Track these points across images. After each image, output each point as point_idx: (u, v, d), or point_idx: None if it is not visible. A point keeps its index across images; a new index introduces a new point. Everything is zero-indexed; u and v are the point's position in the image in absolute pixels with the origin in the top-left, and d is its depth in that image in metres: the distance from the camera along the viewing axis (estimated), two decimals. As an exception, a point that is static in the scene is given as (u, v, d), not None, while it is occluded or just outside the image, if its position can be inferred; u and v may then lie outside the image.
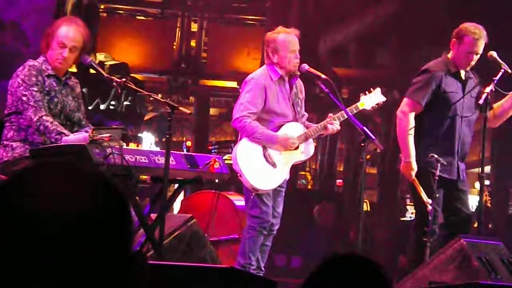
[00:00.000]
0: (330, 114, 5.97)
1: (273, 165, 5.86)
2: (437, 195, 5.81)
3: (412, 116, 5.96)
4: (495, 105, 6.11)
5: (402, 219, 12.48)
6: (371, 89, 6.18)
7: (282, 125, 5.93)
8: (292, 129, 5.96)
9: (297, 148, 5.95)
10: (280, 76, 5.91)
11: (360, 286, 1.63)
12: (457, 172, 6.00)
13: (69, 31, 5.17)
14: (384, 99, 6.21)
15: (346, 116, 5.88)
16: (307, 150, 6.03)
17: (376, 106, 6.21)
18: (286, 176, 5.98)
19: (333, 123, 5.90)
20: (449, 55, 6.04)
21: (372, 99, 6.13)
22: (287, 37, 5.91)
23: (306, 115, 6.16)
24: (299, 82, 6.05)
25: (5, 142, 5.17)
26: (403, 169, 5.94)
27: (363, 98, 6.10)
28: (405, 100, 6.07)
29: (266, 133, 5.83)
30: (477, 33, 5.89)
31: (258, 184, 5.78)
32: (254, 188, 5.78)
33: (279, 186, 5.94)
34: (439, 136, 5.95)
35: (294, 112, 5.99)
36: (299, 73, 5.97)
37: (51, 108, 5.16)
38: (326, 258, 1.67)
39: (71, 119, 5.26)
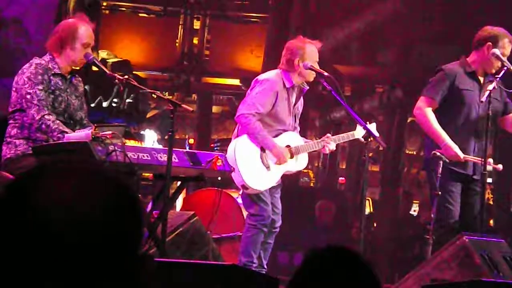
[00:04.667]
0: (328, 135, 6.07)
1: (267, 167, 5.88)
2: (439, 193, 5.80)
3: (429, 109, 5.99)
4: None
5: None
6: (368, 122, 6.09)
7: (281, 133, 5.95)
8: (290, 139, 5.98)
9: (292, 157, 5.98)
10: (293, 85, 5.94)
11: (344, 278, 1.67)
12: (473, 169, 6.00)
13: (89, 30, 5.27)
14: (377, 135, 5.97)
15: (342, 140, 6.10)
16: (301, 162, 6.07)
17: (369, 140, 5.95)
18: (278, 179, 5.99)
19: (329, 144, 5.97)
20: (469, 58, 6.08)
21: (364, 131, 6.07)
22: (313, 49, 5.95)
23: (298, 128, 6.19)
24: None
25: (8, 139, 5.18)
26: (447, 154, 5.87)
27: (358, 127, 6.11)
28: (420, 98, 6.14)
29: (266, 138, 5.84)
30: (510, 36, 5.97)
31: (250, 182, 5.78)
32: (245, 185, 5.78)
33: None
34: (453, 133, 5.95)
35: (294, 122, 6.03)
36: (307, 87, 6.02)
37: (55, 107, 5.18)
38: (307, 254, 1.70)
39: (74, 118, 5.28)
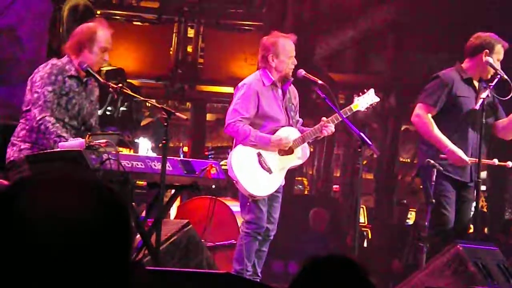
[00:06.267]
0: (323, 118, 5.98)
1: (269, 170, 5.86)
2: (433, 200, 5.81)
3: (428, 115, 5.97)
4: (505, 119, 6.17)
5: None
6: (365, 90, 6.20)
7: (276, 130, 5.94)
8: (287, 133, 5.96)
9: (292, 152, 5.95)
10: (273, 82, 5.93)
11: (341, 285, 1.66)
12: (470, 175, 6.00)
13: (107, 35, 5.31)
14: (378, 99, 6.22)
15: (340, 118, 5.89)
16: (302, 154, 6.03)
17: (371, 106, 6.21)
18: (282, 181, 5.98)
19: (328, 126, 5.91)
20: (464, 65, 6.08)
21: (365, 100, 6.15)
22: (287, 43, 5.94)
23: (301, 121, 6.17)
24: (292, 88, 6.07)
25: (14, 141, 5.18)
26: (452, 159, 5.89)
27: (356, 99, 6.13)
28: (418, 105, 6.10)
29: (259, 136, 5.83)
30: (502, 42, 6.02)
31: (255, 190, 5.78)
32: (251, 194, 5.78)
33: (275, 192, 5.94)
34: (450, 140, 5.95)
35: (287, 117, 5.99)
36: (292, 78, 5.98)
37: (69, 109, 5.19)
38: (306, 262, 1.69)
39: (85, 123, 5.29)
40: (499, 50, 6.01)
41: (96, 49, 5.26)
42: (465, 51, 6.14)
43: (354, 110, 6.05)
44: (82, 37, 5.29)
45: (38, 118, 5.04)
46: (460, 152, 5.86)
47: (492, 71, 5.99)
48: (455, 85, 6.01)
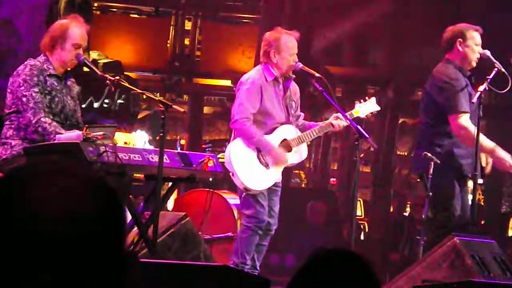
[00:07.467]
0: (335, 114, 5.96)
1: (266, 166, 5.86)
2: (430, 193, 5.81)
3: (470, 123, 5.84)
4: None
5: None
6: (366, 98, 6.16)
7: (276, 127, 5.93)
8: (286, 132, 5.96)
9: (290, 150, 5.95)
10: (275, 77, 5.91)
11: (346, 280, 1.65)
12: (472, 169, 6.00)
13: (81, 31, 5.25)
14: (378, 108, 6.16)
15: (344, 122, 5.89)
16: (300, 153, 6.03)
17: (371, 115, 6.16)
18: (279, 176, 5.97)
19: (337, 120, 5.89)
20: (456, 60, 6.00)
21: (367, 107, 6.10)
22: (290, 40, 5.91)
23: (302, 115, 6.16)
24: (293, 85, 6.05)
25: (4, 140, 5.17)
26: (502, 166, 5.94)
27: (358, 106, 6.08)
28: (455, 116, 5.86)
29: (264, 143, 5.81)
30: (474, 27, 5.97)
31: (250, 184, 5.78)
32: (246, 188, 5.79)
33: (274, 186, 5.94)
34: (455, 142, 5.93)
35: (287, 114, 5.98)
36: (294, 76, 5.97)
37: (52, 108, 5.17)
38: (312, 254, 1.68)
39: (70, 120, 5.27)
40: (472, 35, 5.95)
41: (68, 46, 5.21)
42: (444, 48, 6.08)
43: (355, 115, 6.02)
44: (54, 34, 5.26)
45: (34, 122, 5.02)
46: (508, 158, 5.93)
47: (475, 58, 5.94)
48: (467, 85, 5.96)
